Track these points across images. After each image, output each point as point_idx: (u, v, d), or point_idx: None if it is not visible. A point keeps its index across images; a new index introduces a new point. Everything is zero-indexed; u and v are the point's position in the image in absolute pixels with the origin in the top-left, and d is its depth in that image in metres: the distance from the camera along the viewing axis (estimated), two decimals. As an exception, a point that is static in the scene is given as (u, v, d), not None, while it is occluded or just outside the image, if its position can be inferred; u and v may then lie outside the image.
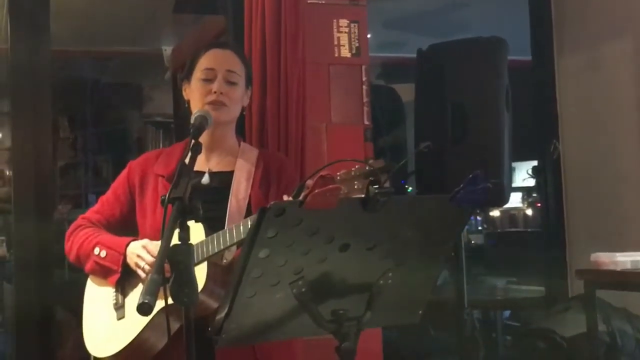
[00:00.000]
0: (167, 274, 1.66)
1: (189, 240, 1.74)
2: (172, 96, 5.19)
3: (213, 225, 2.14)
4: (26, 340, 3.26)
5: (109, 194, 2.46)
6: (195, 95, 2.35)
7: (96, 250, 2.31)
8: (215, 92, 2.31)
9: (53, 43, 3.41)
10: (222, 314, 1.69)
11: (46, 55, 3.35)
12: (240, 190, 2.31)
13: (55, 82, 3.42)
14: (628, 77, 3.85)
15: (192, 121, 2.12)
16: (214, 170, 2.38)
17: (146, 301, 1.56)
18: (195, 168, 2.34)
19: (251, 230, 1.59)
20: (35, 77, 3.31)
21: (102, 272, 2.32)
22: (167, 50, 5.41)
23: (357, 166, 1.68)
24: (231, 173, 2.35)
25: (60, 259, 3.08)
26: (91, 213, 2.45)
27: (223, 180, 2.34)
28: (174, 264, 1.69)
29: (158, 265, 1.65)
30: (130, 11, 5.08)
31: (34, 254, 3.27)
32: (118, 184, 2.45)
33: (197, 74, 2.36)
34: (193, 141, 2.00)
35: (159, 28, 5.43)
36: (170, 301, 1.67)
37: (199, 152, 2.02)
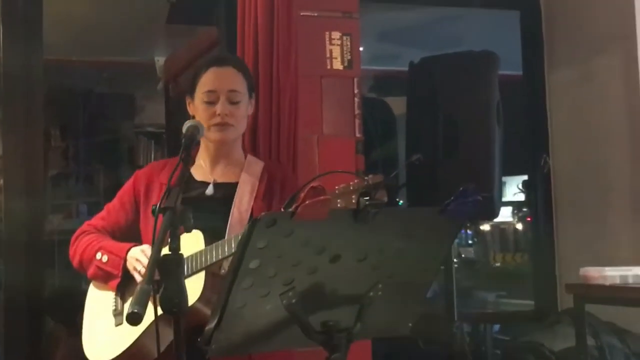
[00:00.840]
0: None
1: (180, 250, 1.75)
2: (164, 106, 5.19)
3: (214, 236, 2.16)
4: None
5: (115, 201, 2.49)
6: (199, 115, 2.36)
7: (98, 255, 2.34)
8: (219, 115, 2.32)
9: (46, 52, 3.41)
10: (212, 324, 1.69)
11: (39, 64, 3.35)
12: (243, 202, 2.32)
13: (48, 91, 3.42)
14: (618, 92, 3.87)
15: (183, 131, 2.13)
16: (219, 181, 2.39)
17: (135, 311, 1.57)
18: (200, 179, 2.40)
19: (242, 241, 1.59)
20: (27, 86, 3.31)
21: (104, 277, 2.35)
22: (160, 60, 5.42)
23: (355, 181, 1.68)
24: (235, 184, 2.36)
25: (52, 268, 3.08)
26: (97, 220, 2.48)
27: (227, 191, 2.35)
28: (164, 274, 1.70)
29: (148, 275, 1.65)
30: (123, 21, 5.08)
31: (24, 263, 3.26)
32: (124, 192, 2.47)
33: (200, 95, 2.37)
34: (184, 152, 2.00)
35: (152, 38, 5.44)
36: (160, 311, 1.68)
37: (192, 162, 2.03)
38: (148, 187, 2.42)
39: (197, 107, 2.38)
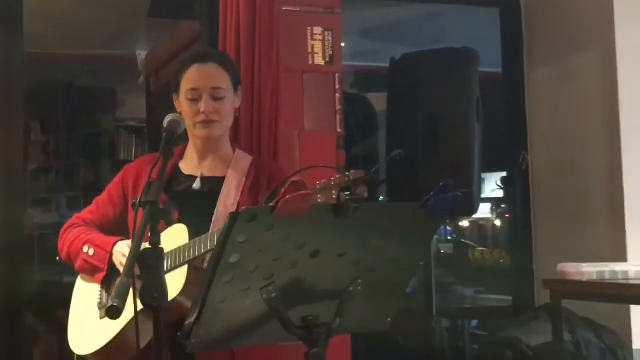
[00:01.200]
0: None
1: (160, 244, 1.75)
2: (146, 101, 5.17)
3: (200, 230, 2.16)
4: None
5: (103, 195, 2.49)
6: (185, 113, 2.35)
7: (85, 249, 2.34)
8: (203, 112, 2.32)
9: (26, 44, 3.39)
10: (192, 319, 1.69)
11: (20, 57, 3.33)
12: (229, 197, 2.32)
13: (28, 85, 3.39)
14: (596, 89, 3.90)
15: (164, 125, 2.13)
16: (206, 175, 2.39)
17: (115, 304, 1.57)
18: (188, 173, 2.40)
19: (222, 235, 1.60)
20: (7, 79, 3.29)
21: (90, 271, 2.35)
22: (142, 54, 5.39)
23: (337, 175, 1.68)
24: (223, 179, 2.36)
25: (30, 262, 3.08)
26: (85, 213, 2.48)
27: (214, 185, 2.35)
28: (144, 268, 1.70)
29: (128, 269, 1.66)
30: (105, 15, 5.05)
31: (3, 257, 3.24)
32: (113, 186, 2.47)
33: (184, 92, 2.36)
34: (165, 145, 2.01)
35: (133, 32, 5.42)
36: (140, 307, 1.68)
37: (171, 156, 2.03)
38: (137, 181, 2.41)
39: (182, 106, 2.38)
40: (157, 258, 1.72)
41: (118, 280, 1.63)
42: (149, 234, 1.75)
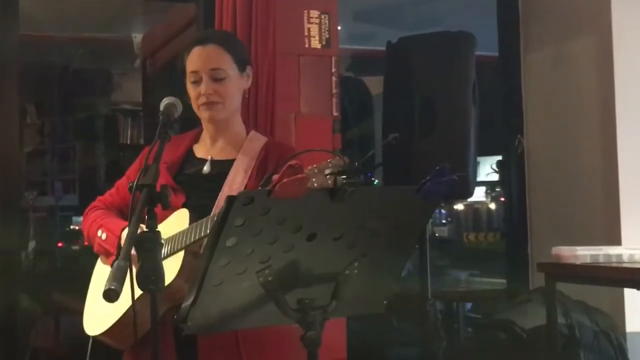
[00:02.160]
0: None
1: (157, 227, 1.76)
2: (142, 84, 5.16)
3: (204, 213, 2.14)
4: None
5: (123, 178, 2.49)
6: (190, 96, 2.36)
7: (99, 233, 2.35)
8: (203, 94, 2.31)
9: (21, 27, 3.37)
10: (188, 302, 1.70)
11: (14, 39, 3.32)
12: (235, 180, 2.30)
13: (23, 67, 3.38)
14: (592, 74, 3.91)
15: (161, 109, 2.12)
16: (216, 158, 2.38)
17: (112, 287, 1.58)
18: (199, 156, 2.41)
19: (219, 218, 1.61)
20: (2, 62, 3.28)
21: (105, 254, 2.37)
22: (137, 37, 5.38)
23: (336, 157, 1.67)
24: (232, 162, 2.35)
25: (26, 245, 3.08)
26: (107, 195, 2.51)
27: (222, 168, 2.34)
28: (141, 251, 1.71)
29: (125, 252, 1.67)
30: (101, -3, 5.04)
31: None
32: (131, 170, 2.47)
33: (188, 76, 2.36)
34: (161, 128, 2.01)
35: (129, 15, 5.40)
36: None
37: (168, 139, 2.03)
38: None
39: (187, 88, 2.38)
40: (153, 241, 1.73)
41: (115, 263, 1.64)
42: (146, 218, 1.76)
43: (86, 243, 2.49)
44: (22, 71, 3.38)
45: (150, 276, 1.69)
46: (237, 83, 2.38)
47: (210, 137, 2.41)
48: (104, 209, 2.45)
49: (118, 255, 2.25)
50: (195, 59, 2.35)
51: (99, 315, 2.31)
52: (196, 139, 2.45)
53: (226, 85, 2.34)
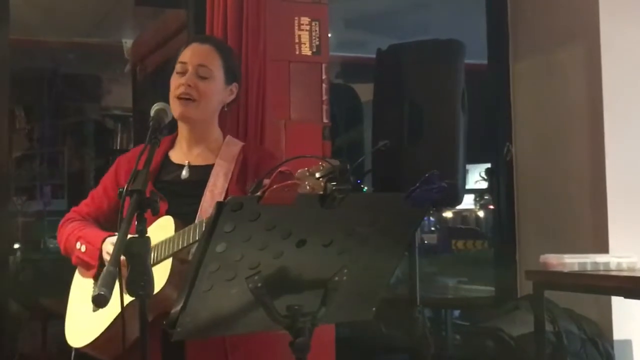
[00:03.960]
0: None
1: (146, 233, 1.75)
2: (132, 89, 5.15)
3: (187, 220, 2.14)
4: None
5: (98, 187, 2.48)
6: (171, 88, 2.36)
7: (78, 245, 2.32)
8: (183, 84, 2.31)
9: (12, 31, 3.36)
10: (178, 308, 1.70)
11: (4, 44, 3.31)
12: (217, 185, 2.29)
13: (13, 72, 3.37)
14: (580, 82, 3.93)
15: (151, 114, 2.12)
16: (194, 164, 2.37)
17: (102, 293, 1.58)
18: (177, 161, 2.38)
19: (209, 224, 1.61)
20: (-8, 66, 3.27)
21: (84, 266, 2.34)
22: (127, 42, 5.38)
23: (325, 163, 1.67)
24: (211, 167, 2.34)
25: (14, 250, 3.08)
26: (82, 206, 2.47)
27: (201, 174, 2.33)
28: (130, 257, 1.71)
29: (114, 258, 1.66)
30: (91, 2, 5.03)
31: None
32: (106, 179, 2.46)
33: (175, 67, 2.37)
34: (151, 133, 2.01)
35: (119, 20, 5.39)
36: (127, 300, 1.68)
37: (158, 145, 2.02)
38: (129, 172, 2.38)
39: (171, 80, 2.38)
40: (143, 247, 1.73)
41: (104, 269, 1.64)
42: (136, 224, 1.76)
43: (63, 254, 2.44)
44: (12, 76, 3.36)
45: (139, 281, 1.69)
46: (219, 90, 2.38)
47: (187, 142, 2.39)
48: (80, 220, 2.42)
49: (99, 266, 2.26)
50: (188, 52, 2.37)
51: (82, 327, 2.29)
52: (171, 145, 2.43)
53: (208, 85, 2.34)
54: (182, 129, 2.41)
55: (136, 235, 1.73)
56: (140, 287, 1.70)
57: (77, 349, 2.31)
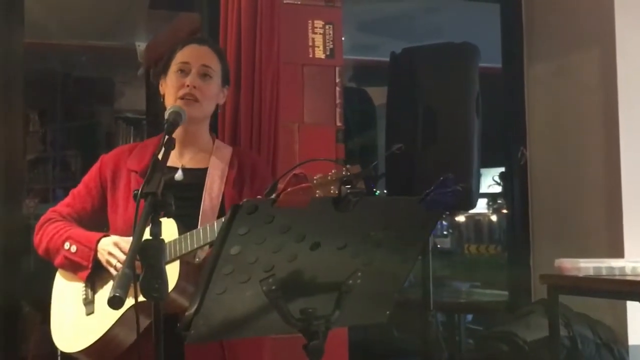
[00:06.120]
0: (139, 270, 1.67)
1: (161, 235, 1.75)
2: (145, 92, 5.17)
3: (186, 222, 2.15)
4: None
5: (80, 187, 2.43)
6: (169, 89, 2.35)
7: (66, 245, 2.28)
8: (188, 86, 2.31)
9: (26, 35, 3.37)
10: (192, 310, 1.70)
11: (19, 47, 3.32)
12: (213, 188, 2.30)
13: (27, 75, 3.38)
14: (595, 86, 3.91)
15: (165, 116, 2.12)
16: (187, 166, 2.36)
17: (117, 294, 1.57)
18: (168, 164, 2.35)
19: (223, 227, 1.60)
20: (7, 70, 3.28)
21: (72, 267, 2.30)
22: (141, 46, 5.39)
23: (333, 170, 1.67)
24: (205, 170, 2.34)
25: (28, 252, 3.08)
26: (62, 206, 2.42)
27: (196, 177, 2.33)
28: (145, 259, 1.70)
29: (129, 260, 1.66)
30: (105, 5, 5.05)
31: (1, 247, 3.24)
32: (90, 178, 2.43)
33: (173, 67, 2.36)
34: (167, 137, 2.00)
35: (133, 23, 5.41)
36: (140, 298, 1.68)
37: (173, 147, 2.02)
38: (115, 173, 2.37)
39: (168, 83, 2.36)
40: (157, 249, 1.72)
41: (120, 271, 1.63)
42: (149, 225, 1.75)
43: (42, 255, 2.38)
44: (26, 79, 3.37)
45: (154, 283, 1.68)
46: (217, 90, 2.40)
47: (179, 144, 2.34)
48: (63, 221, 2.37)
49: (93, 268, 2.24)
50: (188, 53, 2.36)
51: (75, 332, 2.27)
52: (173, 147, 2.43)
53: (210, 85, 2.35)
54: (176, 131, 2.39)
55: (150, 238, 1.73)
56: (155, 289, 1.69)
57: (65, 354, 2.28)
